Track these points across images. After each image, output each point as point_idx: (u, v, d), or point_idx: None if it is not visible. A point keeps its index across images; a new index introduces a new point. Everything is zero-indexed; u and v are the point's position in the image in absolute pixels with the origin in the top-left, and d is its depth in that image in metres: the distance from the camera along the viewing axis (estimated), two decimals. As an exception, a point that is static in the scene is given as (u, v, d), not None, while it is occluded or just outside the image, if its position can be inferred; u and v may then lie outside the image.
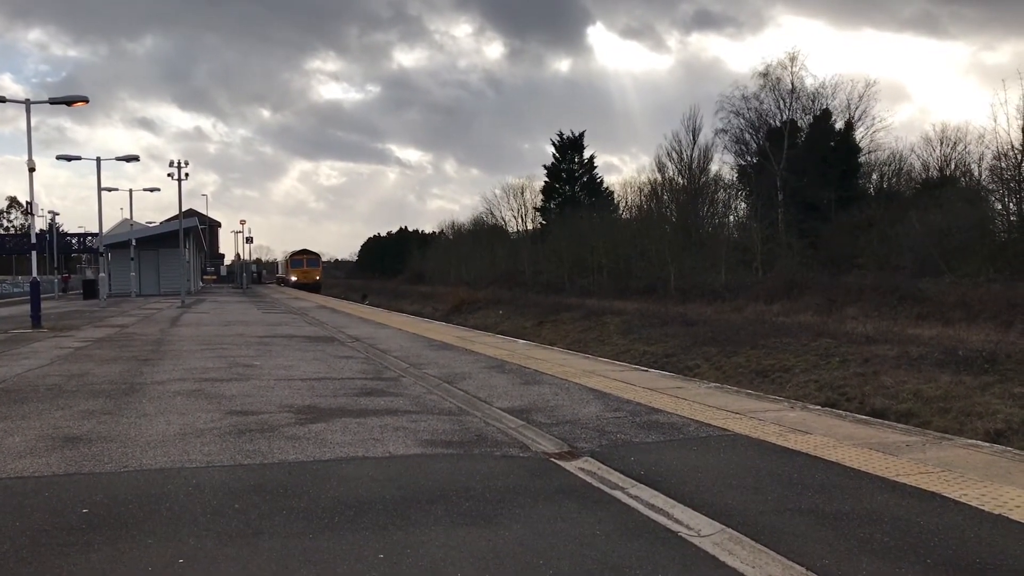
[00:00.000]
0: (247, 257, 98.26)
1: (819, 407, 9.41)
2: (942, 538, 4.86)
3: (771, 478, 6.33)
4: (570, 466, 6.88)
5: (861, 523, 5.18)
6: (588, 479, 6.45)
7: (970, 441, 7.44)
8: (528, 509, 5.63)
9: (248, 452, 7.41)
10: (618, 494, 6.00)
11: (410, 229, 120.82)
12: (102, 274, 44.87)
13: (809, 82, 64.46)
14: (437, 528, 5.22)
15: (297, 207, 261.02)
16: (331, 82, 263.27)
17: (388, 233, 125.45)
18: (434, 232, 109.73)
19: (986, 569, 4.36)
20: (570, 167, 74.85)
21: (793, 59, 57.52)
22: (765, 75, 56.75)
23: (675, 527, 5.21)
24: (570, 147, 74.72)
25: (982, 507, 5.38)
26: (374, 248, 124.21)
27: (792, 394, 15.65)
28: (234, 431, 8.35)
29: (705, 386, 11.39)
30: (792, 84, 56.82)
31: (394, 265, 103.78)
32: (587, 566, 4.53)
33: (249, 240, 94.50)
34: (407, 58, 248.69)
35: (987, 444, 7.28)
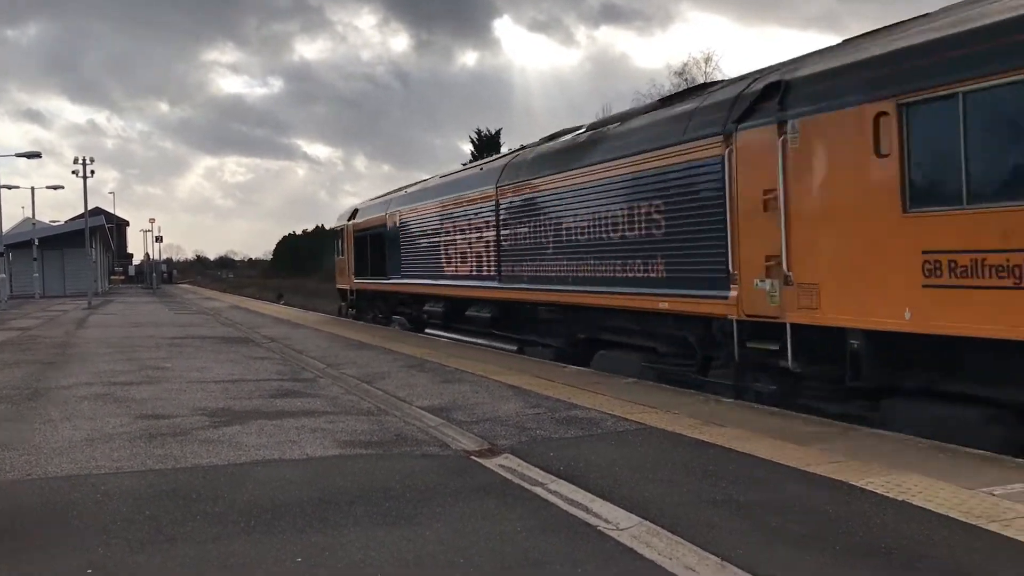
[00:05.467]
0: (157, 256, 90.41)
1: (731, 400, 9.62)
2: (850, 525, 5.03)
3: (687, 470, 6.45)
4: (490, 463, 6.89)
5: (774, 512, 5.32)
6: (508, 476, 6.47)
7: (875, 431, 7.71)
8: (449, 507, 5.62)
9: (160, 457, 7.21)
10: (538, 490, 6.03)
11: (326, 227, 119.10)
12: (2, 275, 43.04)
13: (721, 82, 65.47)
14: (357, 529, 5.17)
15: (203, 204, 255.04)
16: (231, 75, 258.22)
17: (304, 231, 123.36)
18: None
19: (891, 553, 4.53)
20: (488, 165, 74.88)
21: (708, 59, 58.69)
22: (680, 73, 57.77)
23: (594, 521, 5.26)
24: (488, 145, 74.76)
25: (887, 494, 5.58)
26: (289, 246, 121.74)
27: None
28: (145, 435, 8.12)
29: (623, 380, 11.53)
30: (706, 81, 57.96)
31: (311, 263, 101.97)
32: (508, 562, 4.55)
33: (159, 239, 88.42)
34: (309, 50, 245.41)
35: (890, 433, 7.55)
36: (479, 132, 74.77)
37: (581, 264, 12.79)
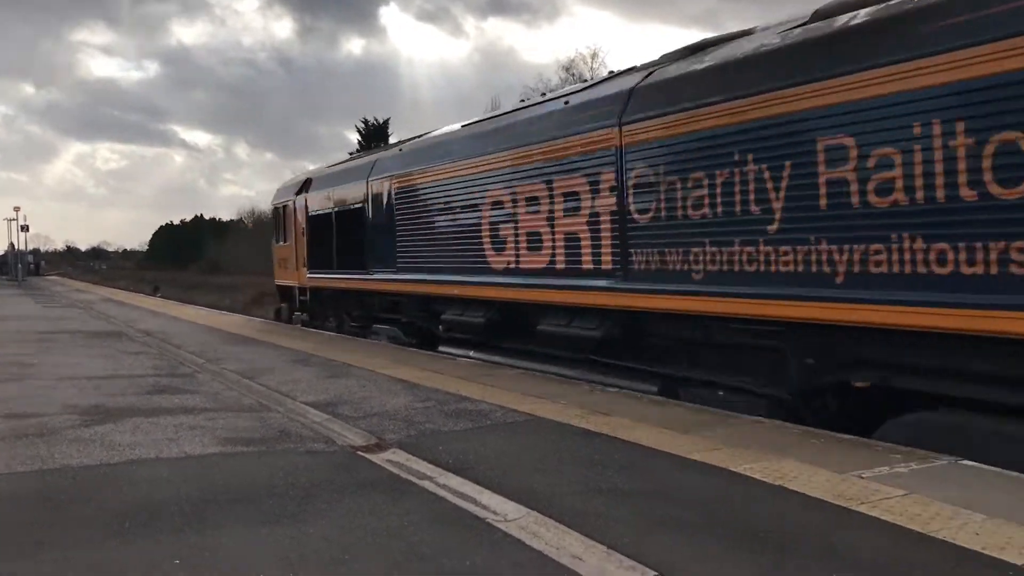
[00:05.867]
0: (23, 247, 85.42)
1: (616, 389, 9.79)
2: (731, 510, 5.17)
3: (574, 460, 6.52)
4: (378, 458, 6.80)
5: (658, 500, 5.43)
6: (396, 471, 6.40)
7: (753, 417, 7.97)
8: (335, 504, 5.51)
9: (25, 458, 6.82)
10: (427, 484, 5.99)
11: (206, 217, 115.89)
12: None
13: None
14: (238, 528, 5.01)
15: (74, 192, 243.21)
16: (102, 56, 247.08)
17: (182, 221, 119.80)
18: (232, 220, 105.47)
19: (769, 537, 4.68)
20: (376, 155, 74.09)
21: (594, 55, 59.64)
22: (568, 68, 58.54)
23: (483, 513, 5.26)
24: (376, 134, 73.93)
25: (764, 479, 5.77)
26: (166, 237, 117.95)
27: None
28: (9, 436, 7.67)
29: (513, 371, 11.58)
30: (592, 78, 58.91)
31: (189, 255, 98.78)
32: (395, 558, 4.49)
33: (24, 228, 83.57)
34: (187, 33, 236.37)
35: (768, 420, 7.83)
36: (366, 122, 73.95)
37: (874, 250, 7.07)
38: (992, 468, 5.91)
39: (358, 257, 16.98)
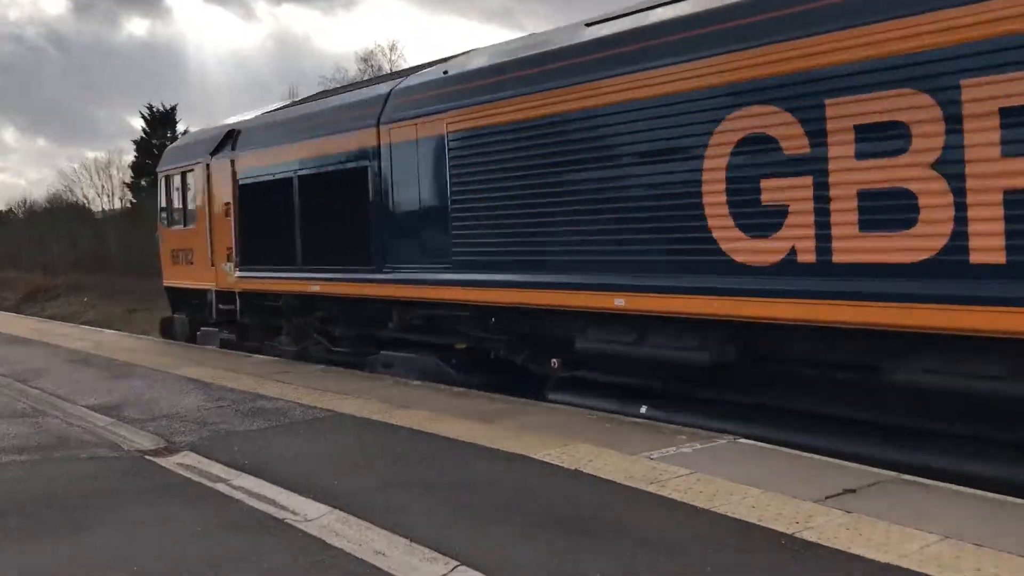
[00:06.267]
0: None
1: (418, 382, 9.79)
2: (531, 496, 5.31)
3: (377, 455, 6.48)
4: (167, 462, 6.49)
5: (461, 490, 5.49)
6: (188, 474, 6.13)
7: (548, 405, 8.21)
8: (121, 512, 5.21)
9: None
10: (221, 487, 5.77)
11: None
12: None
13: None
14: (11, 543, 4.64)
15: None
16: None
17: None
18: (1, 211, 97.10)
19: (566, 520, 4.85)
20: (163, 143, 70.23)
21: (393, 47, 59.35)
22: (366, 60, 57.84)
23: (281, 514, 5.13)
24: (162, 121, 70.01)
25: (562, 464, 5.97)
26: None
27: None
28: None
29: (313, 367, 11.34)
30: (391, 71, 58.58)
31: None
32: (188, 565, 4.30)
33: None
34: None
35: (562, 407, 8.08)
36: (151, 108, 69.75)
37: None
38: (767, 446, 6.40)
39: (356, 247, 10.98)
